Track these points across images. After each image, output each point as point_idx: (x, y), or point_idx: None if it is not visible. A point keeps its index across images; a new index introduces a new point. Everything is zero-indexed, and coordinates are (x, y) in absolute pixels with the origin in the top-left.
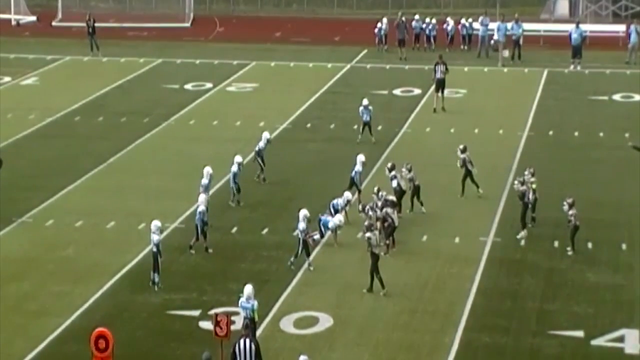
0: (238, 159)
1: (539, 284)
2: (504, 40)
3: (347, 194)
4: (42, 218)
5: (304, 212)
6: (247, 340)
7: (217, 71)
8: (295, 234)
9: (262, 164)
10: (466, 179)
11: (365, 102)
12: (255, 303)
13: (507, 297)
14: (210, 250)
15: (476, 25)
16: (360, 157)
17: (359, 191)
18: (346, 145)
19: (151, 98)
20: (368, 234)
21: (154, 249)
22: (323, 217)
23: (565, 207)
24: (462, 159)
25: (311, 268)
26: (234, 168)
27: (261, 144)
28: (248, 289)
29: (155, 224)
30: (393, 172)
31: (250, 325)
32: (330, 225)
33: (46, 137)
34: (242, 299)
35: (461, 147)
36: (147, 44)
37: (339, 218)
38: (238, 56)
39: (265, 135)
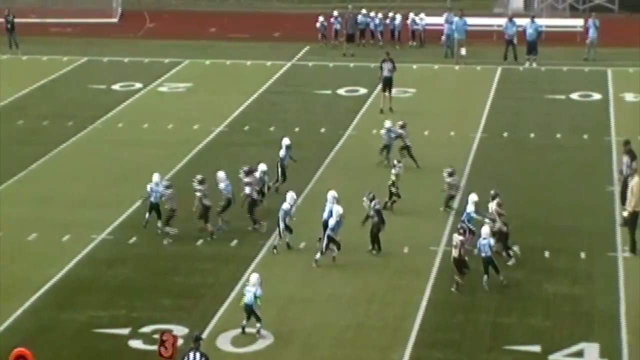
0: (263, 167)
1: (493, 296)
2: (462, 37)
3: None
4: None
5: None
6: (197, 354)
7: (148, 70)
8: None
9: (280, 175)
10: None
11: (388, 124)
12: (259, 290)
13: (460, 311)
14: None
15: (429, 20)
16: (285, 141)
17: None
18: None
19: (76, 99)
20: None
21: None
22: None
23: (445, 175)
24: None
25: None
26: (259, 175)
27: (282, 152)
28: (254, 277)
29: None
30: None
31: (252, 313)
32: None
33: None
34: (248, 286)
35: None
36: (71, 41)
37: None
38: (170, 54)
39: (285, 141)
